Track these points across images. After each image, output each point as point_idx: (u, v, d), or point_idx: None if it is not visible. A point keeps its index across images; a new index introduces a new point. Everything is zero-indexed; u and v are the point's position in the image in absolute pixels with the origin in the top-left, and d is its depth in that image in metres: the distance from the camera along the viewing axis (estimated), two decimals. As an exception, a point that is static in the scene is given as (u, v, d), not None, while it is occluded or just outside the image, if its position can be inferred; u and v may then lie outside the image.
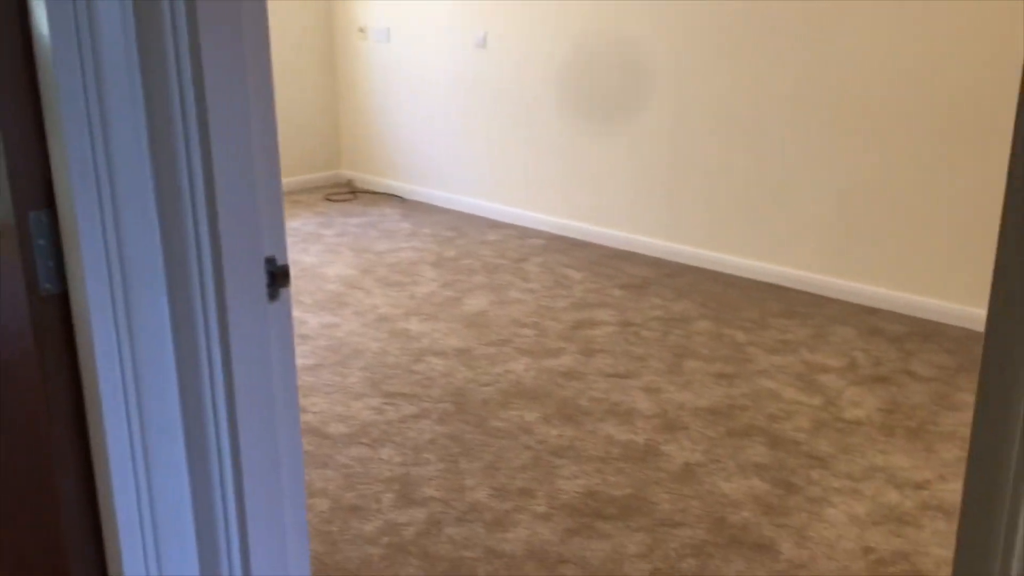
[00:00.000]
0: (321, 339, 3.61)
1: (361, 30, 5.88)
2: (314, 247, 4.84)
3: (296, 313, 3.87)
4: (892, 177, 3.74)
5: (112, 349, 1.10)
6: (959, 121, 3.54)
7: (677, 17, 4.28)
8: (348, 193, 6.05)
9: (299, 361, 3.38)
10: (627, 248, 4.75)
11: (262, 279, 1.19)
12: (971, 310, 3.62)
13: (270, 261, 1.21)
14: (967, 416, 2.95)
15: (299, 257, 4.64)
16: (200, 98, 1.08)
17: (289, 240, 4.94)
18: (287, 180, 6.04)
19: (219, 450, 1.19)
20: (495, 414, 2.98)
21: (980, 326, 3.59)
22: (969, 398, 3.07)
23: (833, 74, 3.83)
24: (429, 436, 2.84)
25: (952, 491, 2.52)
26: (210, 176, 1.11)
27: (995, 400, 0.82)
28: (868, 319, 3.78)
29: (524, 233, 5.09)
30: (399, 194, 5.94)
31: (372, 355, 3.45)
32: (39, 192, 1.08)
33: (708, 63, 4.23)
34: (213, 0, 1.07)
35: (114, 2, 1.03)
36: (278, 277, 1.22)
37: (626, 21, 4.49)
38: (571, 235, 5.00)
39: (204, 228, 1.12)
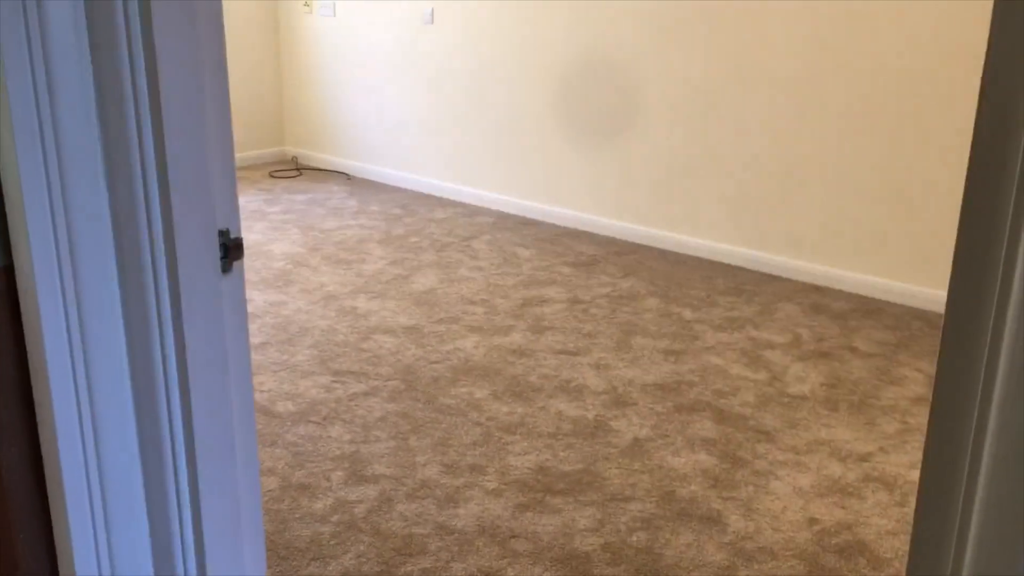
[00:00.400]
0: (268, 316, 3.56)
1: (306, 4, 5.78)
2: (259, 224, 4.77)
3: (242, 291, 3.81)
4: (834, 155, 3.81)
5: (60, 322, 1.07)
6: (904, 94, 3.61)
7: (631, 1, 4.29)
8: (293, 170, 5.97)
9: (246, 339, 3.32)
10: (576, 227, 4.77)
11: (215, 251, 1.17)
12: (912, 287, 3.71)
13: (223, 234, 1.19)
14: (907, 391, 3.02)
15: (244, 234, 4.56)
16: (152, 69, 1.05)
17: (233, 217, 4.86)
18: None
19: (171, 425, 1.17)
20: (445, 391, 2.98)
21: (920, 303, 3.69)
22: (909, 372, 3.15)
23: (776, 46, 3.88)
24: (379, 414, 2.83)
25: (893, 463, 2.59)
26: (161, 147, 1.08)
27: (950, 389, 0.83)
28: (812, 296, 3.86)
29: (473, 211, 5.07)
30: (345, 171, 5.87)
31: (320, 333, 3.42)
32: (-19, 160, 1.04)
33: (652, 40, 4.24)
34: (164, -37, 1.04)
35: (60, -37, 1.00)
36: (231, 250, 1.20)
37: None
38: (520, 213, 5.00)
39: (155, 199, 1.09)
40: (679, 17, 4.13)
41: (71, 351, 1.09)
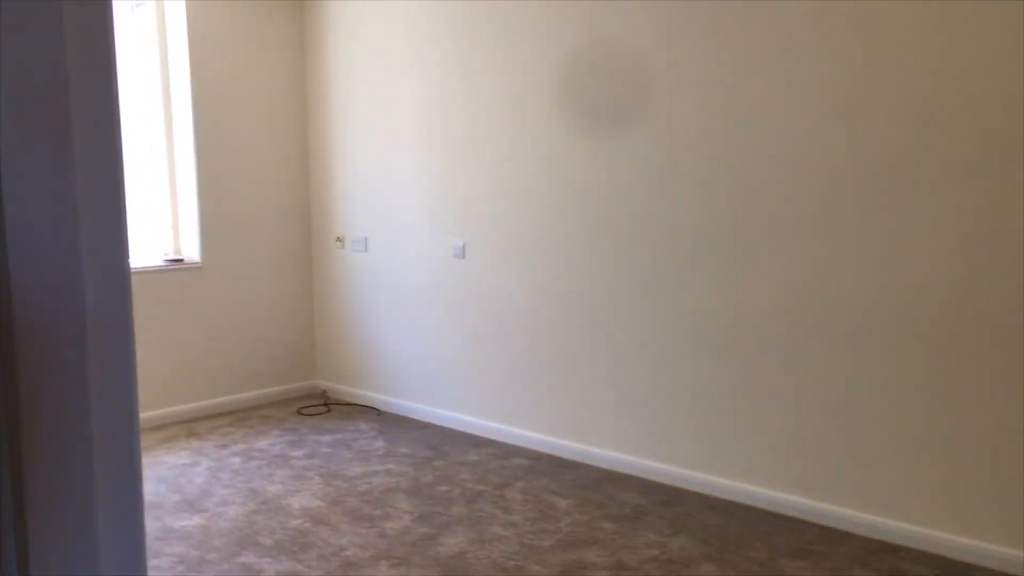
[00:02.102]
0: (277, 593, 3.19)
1: (339, 239, 5.76)
2: (281, 472, 4.48)
3: (252, 558, 3.47)
4: (900, 396, 3.48)
5: None
6: (971, 335, 3.31)
7: (661, 222, 4.14)
8: (322, 405, 5.74)
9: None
10: (618, 470, 4.41)
11: None
12: (1005, 551, 3.26)
13: None
14: None
15: (262, 486, 4.27)
16: None
17: (254, 465, 4.59)
18: (261, 392, 5.75)
19: None
20: None
21: (1017, 569, 3.22)
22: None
23: (827, 286, 3.64)
24: None
25: None
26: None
27: None
28: (889, 560, 3.40)
29: (508, 452, 4.75)
30: (376, 406, 5.63)
31: (333, 614, 3.03)
32: None
33: (687, 274, 4.05)
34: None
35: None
36: None
37: (601, 225, 4.36)
38: (558, 454, 4.67)
39: None
40: (714, 245, 3.96)
41: None
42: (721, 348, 3.99)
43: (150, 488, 4.25)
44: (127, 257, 0.98)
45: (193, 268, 5.42)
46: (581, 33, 4.34)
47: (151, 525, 3.82)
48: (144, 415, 5.22)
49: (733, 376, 3.96)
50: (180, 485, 4.30)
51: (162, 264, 5.38)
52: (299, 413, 5.59)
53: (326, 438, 5.06)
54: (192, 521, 3.85)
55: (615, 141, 4.28)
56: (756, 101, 3.78)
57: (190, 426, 5.32)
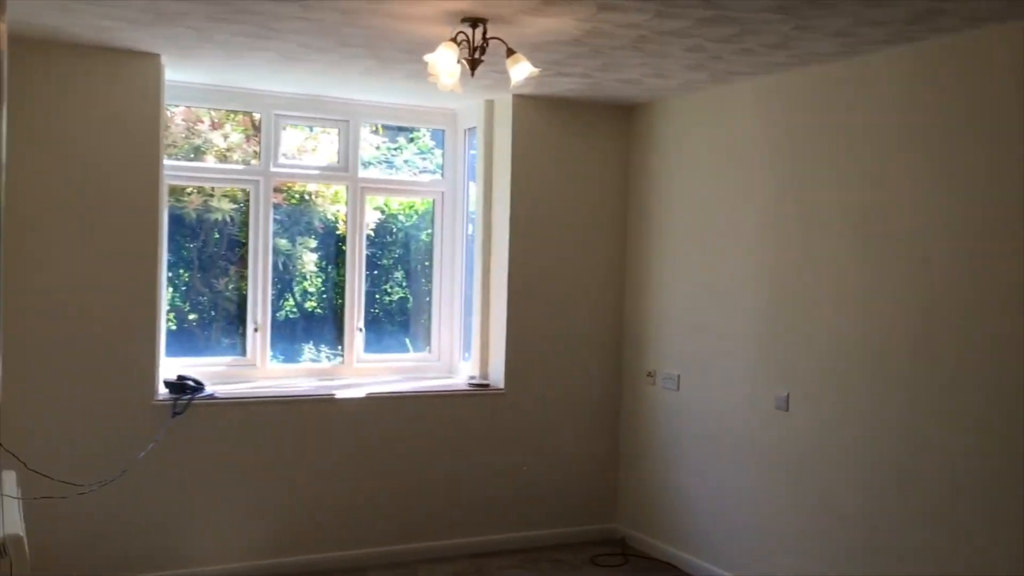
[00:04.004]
0: None
1: (649, 375, 5.30)
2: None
3: None
4: None
5: None
6: None
7: None
8: (619, 555, 5.22)
9: None
10: None
11: None
12: None
13: None
14: None
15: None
16: None
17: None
18: (554, 532, 5.36)
19: None
20: None
21: None
22: None
23: None
24: None
25: None
26: None
27: None
28: None
29: (827, 653, 3.90)
30: (680, 566, 4.99)
31: None
32: None
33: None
34: None
35: None
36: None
37: (964, 390, 3.48)
38: (892, 668, 3.74)
39: None
40: None
41: None
42: None
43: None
44: None
45: (497, 394, 5.23)
46: (944, 155, 3.61)
47: None
48: (431, 544, 5.04)
49: None
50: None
51: (466, 388, 5.25)
52: (593, 562, 5.11)
53: (616, 598, 4.52)
54: None
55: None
56: None
57: (478, 563, 5.03)
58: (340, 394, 4.89)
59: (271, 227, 5.15)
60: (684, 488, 5.02)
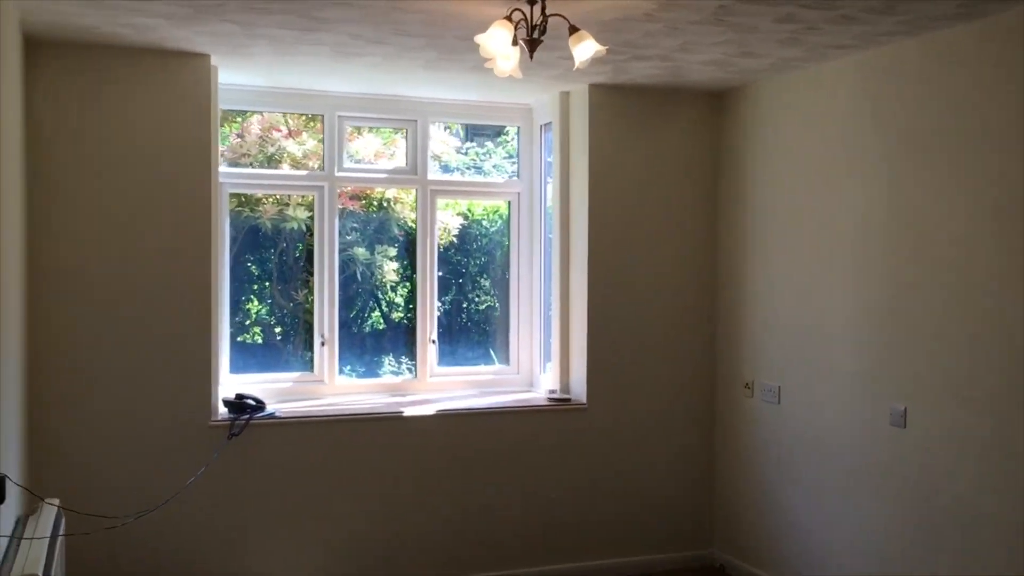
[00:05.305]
0: None
1: (747, 386, 4.81)
2: None
3: None
4: None
5: None
6: None
7: None
8: (718, 585, 4.76)
9: None
10: None
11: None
12: None
13: None
14: None
15: None
16: None
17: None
18: (643, 559, 4.92)
19: None
20: None
21: None
22: None
23: None
24: None
25: None
26: None
27: None
28: None
29: None
30: (781, 599, 4.50)
31: None
32: None
33: None
34: None
35: None
36: None
37: None
38: None
39: None
40: None
41: None
42: None
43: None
44: None
45: (578, 409, 4.83)
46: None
47: None
48: (506, 573, 4.66)
49: None
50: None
51: (545, 402, 4.87)
52: (688, 593, 4.67)
53: (711, 637, 4.07)
54: None
55: None
56: None
57: (560, 592, 4.65)
58: (408, 411, 4.57)
59: (336, 235, 4.88)
60: (788, 512, 4.52)
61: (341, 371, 4.94)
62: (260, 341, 4.94)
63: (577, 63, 3.18)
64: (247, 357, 4.83)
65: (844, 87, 4.15)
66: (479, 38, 3.02)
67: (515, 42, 3.09)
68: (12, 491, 3.09)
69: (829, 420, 4.25)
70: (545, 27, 3.10)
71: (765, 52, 4.00)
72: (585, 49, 3.11)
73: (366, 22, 3.50)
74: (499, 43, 3.02)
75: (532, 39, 3.10)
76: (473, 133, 5.40)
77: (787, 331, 4.54)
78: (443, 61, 4.12)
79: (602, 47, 3.12)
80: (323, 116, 4.86)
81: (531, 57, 3.17)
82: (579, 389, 4.87)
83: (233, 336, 4.74)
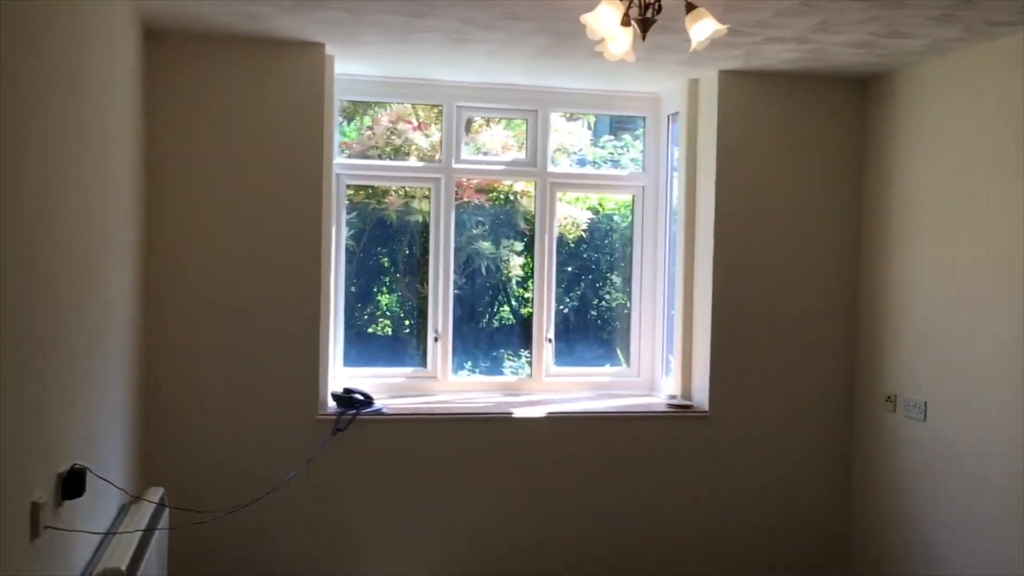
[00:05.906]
0: None
1: (888, 400, 4.39)
2: None
3: None
4: None
5: None
6: None
7: None
8: (850, 616, 4.36)
9: None
10: None
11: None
12: None
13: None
14: None
15: None
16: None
17: None
18: (768, 581, 4.57)
19: None
20: None
21: None
22: None
23: None
24: None
25: None
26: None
27: None
28: None
29: None
30: (922, 638, 4.07)
31: None
32: None
33: None
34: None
35: None
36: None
37: None
38: None
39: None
40: None
41: None
42: None
43: None
44: None
45: (700, 417, 4.53)
46: None
47: None
48: (618, 590, 4.43)
49: None
50: None
51: (664, 409, 4.59)
52: (815, 621, 4.30)
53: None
54: None
55: None
56: None
57: (675, 611, 4.37)
58: (518, 413, 4.39)
59: (452, 228, 4.76)
60: (934, 539, 4.08)
61: (462, 367, 4.83)
62: (390, 333, 4.89)
63: (694, 44, 2.90)
64: (375, 349, 4.80)
65: (1009, 72, 3.68)
66: (585, 17, 2.80)
67: (627, 22, 2.85)
68: (116, 480, 3.11)
69: (981, 440, 3.80)
70: (660, 5, 2.84)
71: (917, 31, 3.59)
72: (703, 28, 2.83)
73: (474, 6, 3.34)
74: (607, 22, 2.78)
75: (645, 18, 2.84)
76: (615, 127, 5.18)
77: (935, 342, 4.10)
78: (557, 47, 3.92)
79: (722, 26, 2.83)
80: (442, 106, 4.75)
81: (643, 38, 2.91)
82: (701, 396, 4.56)
83: (363, 328, 4.71)
